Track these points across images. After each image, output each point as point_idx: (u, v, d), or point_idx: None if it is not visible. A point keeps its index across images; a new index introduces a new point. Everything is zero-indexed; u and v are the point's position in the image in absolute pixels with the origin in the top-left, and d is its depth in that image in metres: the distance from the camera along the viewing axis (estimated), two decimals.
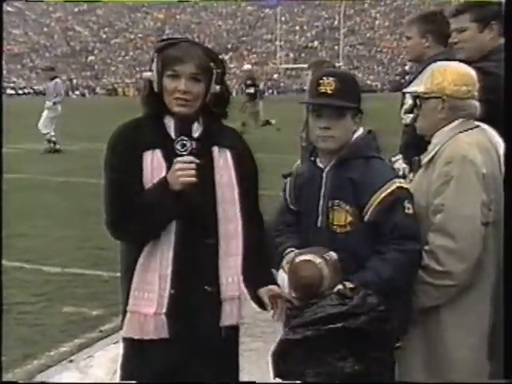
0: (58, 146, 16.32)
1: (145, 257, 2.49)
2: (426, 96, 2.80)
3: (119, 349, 4.47)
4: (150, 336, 2.49)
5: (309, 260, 2.59)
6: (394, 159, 3.71)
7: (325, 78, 2.68)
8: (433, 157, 2.75)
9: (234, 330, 2.62)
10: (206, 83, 2.51)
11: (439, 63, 2.94)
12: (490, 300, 2.67)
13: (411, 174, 3.26)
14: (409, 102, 3.82)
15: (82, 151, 16.15)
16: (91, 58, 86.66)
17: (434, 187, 2.67)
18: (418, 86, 2.85)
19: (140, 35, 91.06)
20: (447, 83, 2.73)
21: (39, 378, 4.21)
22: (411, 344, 2.73)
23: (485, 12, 3.46)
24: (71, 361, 4.47)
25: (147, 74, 2.57)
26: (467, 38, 3.50)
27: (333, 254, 2.59)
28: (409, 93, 3.34)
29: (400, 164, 3.64)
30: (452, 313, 2.67)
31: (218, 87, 2.54)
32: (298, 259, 2.62)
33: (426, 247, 2.64)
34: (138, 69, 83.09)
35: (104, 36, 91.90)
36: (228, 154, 2.57)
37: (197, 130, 2.55)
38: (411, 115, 3.71)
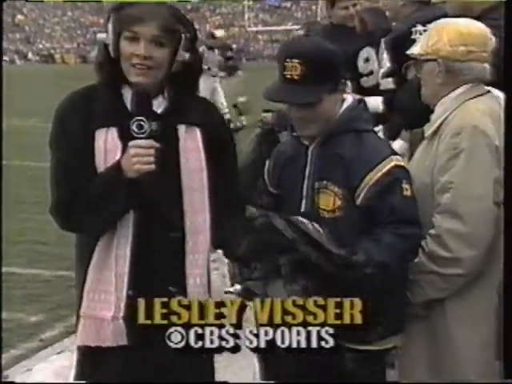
0: None
1: (99, 253, 2.49)
2: (421, 58, 2.84)
3: (62, 360, 4.54)
4: (108, 343, 2.50)
5: (300, 220, 2.61)
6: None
7: (289, 59, 2.64)
8: (438, 128, 2.78)
9: None
10: (171, 49, 2.47)
11: (442, 20, 2.97)
12: (497, 291, 2.71)
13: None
14: (387, 64, 3.86)
15: (13, 129, 15.99)
16: (20, 17, 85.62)
17: (441, 162, 2.71)
18: (415, 47, 2.89)
19: None
20: (442, 44, 2.77)
21: None
22: (413, 342, 2.79)
23: None
24: (6, 376, 4.45)
25: (102, 36, 2.55)
26: None
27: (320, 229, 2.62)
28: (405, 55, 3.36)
29: (380, 136, 3.68)
30: (459, 305, 2.73)
31: (186, 54, 2.50)
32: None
33: (432, 231, 2.68)
34: (79, 32, 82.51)
35: None
36: (198, 132, 2.55)
37: (160, 104, 2.53)
38: (390, 79, 3.78)
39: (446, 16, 3.65)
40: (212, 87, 18.08)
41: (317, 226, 2.60)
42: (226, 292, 2.56)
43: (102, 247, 2.49)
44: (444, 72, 2.78)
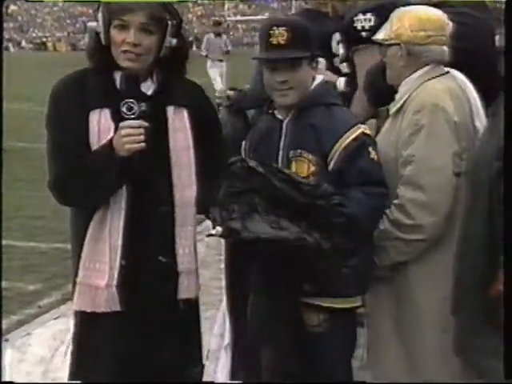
0: None
1: (94, 226, 2.49)
2: (385, 43, 2.87)
3: (59, 325, 4.54)
4: (102, 309, 2.50)
5: None
6: None
7: (275, 28, 2.69)
8: (401, 106, 2.80)
9: (193, 303, 2.64)
10: (159, 35, 2.46)
11: (403, 8, 2.98)
12: (454, 253, 2.73)
13: None
14: (340, 50, 3.88)
15: (8, 112, 15.80)
16: (13, 7, 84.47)
17: (404, 137, 2.73)
18: (380, 34, 2.90)
19: None
20: (404, 29, 2.79)
21: None
22: (380, 301, 2.83)
23: None
24: (7, 340, 4.44)
25: (92, 25, 2.52)
26: None
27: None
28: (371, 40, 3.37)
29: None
30: (420, 267, 2.76)
31: (174, 40, 2.49)
32: None
33: (396, 201, 2.70)
34: (69, 21, 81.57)
35: None
36: (185, 113, 2.55)
37: (149, 87, 2.52)
38: (345, 64, 3.79)
39: (391, 5, 3.71)
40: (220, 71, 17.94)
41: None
42: (208, 235, 2.53)
43: (96, 221, 2.49)
44: (406, 55, 2.80)
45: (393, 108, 2.85)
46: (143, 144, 2.37)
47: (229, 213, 2.51)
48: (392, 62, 2.86)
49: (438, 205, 2.68)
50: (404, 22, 2.80)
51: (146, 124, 2.38)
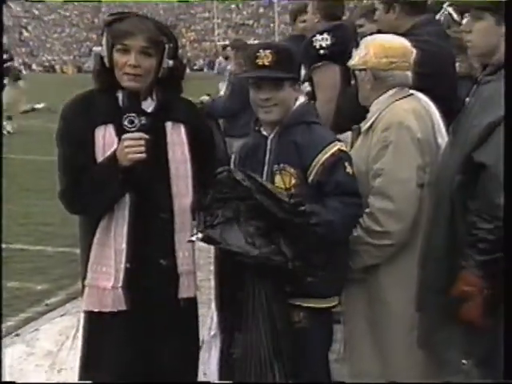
0: None
1: (101, 232, 2.47)
2: (355, 68, 2.89)
3: (65, 321, 4.52)
4: (109, 309, 2.48)
5: None
6: None
7: (261, 50, 2.68)
8: (372, 124, 2.81)
9: (192, 301, 2.63)
10: (157, 58, 2.45)
11: (371, 37, 3.01)
12: (418, 258, 2.74)
13: None
14: (302, 71, 3.92)
15: (19, 128, 15.75)
16: (25, 34, 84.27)
17: (373, 153, 2.74)
18: (352, 60, 2.93)
19: (75, 12, 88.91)
20: (369, 56, 2.80)
21: None
22: (354, 301, 2.82)
23: None
24: (17, 335, 4.42)
25: (97, 49, 2.52)
26: (377, 18, 3.61)
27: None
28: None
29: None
30: (390, 270, 2.76)
31: (170, 62, 2.49)
32: None
33: (367, 210, 2.70)
34: (74, 46, 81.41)
35: (37, 12, 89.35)
36: (182, 128, 2.54)
37: (150, 105, 2.51)
38: (306, 83, 3.81)
39: (346, 27, 3.94)
40: None
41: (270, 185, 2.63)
42: (189, 241, 2.52)
43: (102, 227, 2.47)
44: (372, 79, 2.81)
45: (364, 126, 2.86)
46: (144, 154, 2.37)
47: (213, 217, 2.50)
48: (362, 85, 2.88)
49: (404, 213, 2.69)
50: (370, 49, 2.82)
51: (146, 136, 2.38)
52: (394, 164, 2.69)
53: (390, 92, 2.82)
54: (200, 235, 2.49)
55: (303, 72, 3.77)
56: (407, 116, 2.76)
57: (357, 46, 3.10)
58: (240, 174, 2.56)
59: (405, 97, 2.84)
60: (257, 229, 2.49)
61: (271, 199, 2.50)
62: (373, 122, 2.81)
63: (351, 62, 2.91)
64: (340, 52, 3.72)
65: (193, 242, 2.52)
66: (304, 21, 4.85)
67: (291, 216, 2.50)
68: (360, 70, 2.85)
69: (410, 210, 2.69)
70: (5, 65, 14.79)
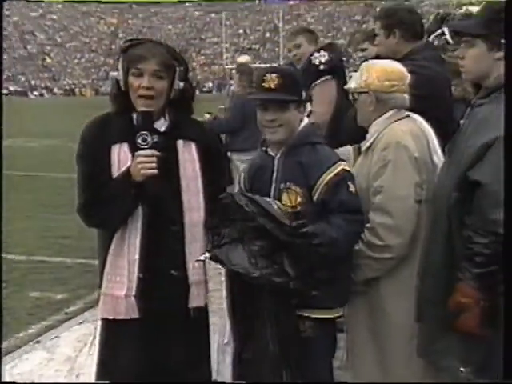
0: None
1: (115, 243, 2.47)
2: (357, 91, 2.86)
3: (83, 329, 4.51)
4: (122, 316, 2.47)
5: (266, 200, 2.62)
6: None
7: (268, 74, 2.67)
8: (371, 144, 2.80)
9: (202, 310, 2.60)
10: (169, 80, 2.46)
11: (372, 61, 3.00)
12: (417, 271, 2.70)
13: None
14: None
15: (40, 148, 15.84)
16: (48, 60, 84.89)
17: (374, 171, 2.72)
18: (352, 83, 2.91)
19: (94, 39, 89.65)
20: (372, 79, 2.79)
21: (9, 358, 4.14)
22: (356, 311, 2.80)
23: (388, 21, 3.53)
24: (38, 341, 4.43)
25: (114, 74, 2.52)
26: (377, 43, 3.62)
27: (283, 207, 2.62)
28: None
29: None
30: (390, 283, 2.73)
31: (181, 84, 2.50)
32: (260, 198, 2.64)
33: (368, 225, 2.68)
34: (93, 70, 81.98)
35: (59, 40, 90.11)
36: (193, 146, 2.54)
37: (163, 124, 2.51)
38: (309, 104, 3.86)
39: (336, 44, 4.17)
40: None
41: (277, 202, 2.61)
42: (197, 260, 2.51)
43: (117, 238, 2.47)
44: (375, 101, 2.80)
45: (364, 145, 2.84)
46: (155, 170, 2.37)
47: (219, 237, 2.49)
48: (362, 107, 2.86)
49: (403, 228, 2.67)
50: (372, 73, 2.81)
51: (158, 153, 2.39)
52: (393, 182, 2.68)
53: (389, 114, 2.81)
54: (208, 255, 2.49)
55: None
56: (404, 136, 2.75)
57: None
58: (243, 198, 2.54)
59: (402, 118, 2.83)
60: (260, 249, 2.47)
61: (273, 222, 2.48)
62: (372, 142, 2.79)
63: (352, 85, 2.89)
64: (337, 65, 3.85)
65: (202, 261, 2.51)
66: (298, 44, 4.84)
67: (293, 238, 2.48)
68: (362, 92, 2.83)
69: (409, 224, 2.67)
70: None
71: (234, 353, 2.67)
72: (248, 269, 2.45)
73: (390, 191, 2.67)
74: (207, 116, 6.53)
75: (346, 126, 3.39)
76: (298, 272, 2.47)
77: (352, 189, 2.64)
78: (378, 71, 2.81)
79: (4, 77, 78.09)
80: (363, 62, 3.09)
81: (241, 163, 6.14)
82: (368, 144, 2.81)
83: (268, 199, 2.62)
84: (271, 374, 2.54)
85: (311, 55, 3.94)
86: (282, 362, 2.53)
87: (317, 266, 2.52)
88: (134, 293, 2.45)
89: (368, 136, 2.85)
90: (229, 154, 6.33)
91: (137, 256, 2.45)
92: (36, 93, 71.66)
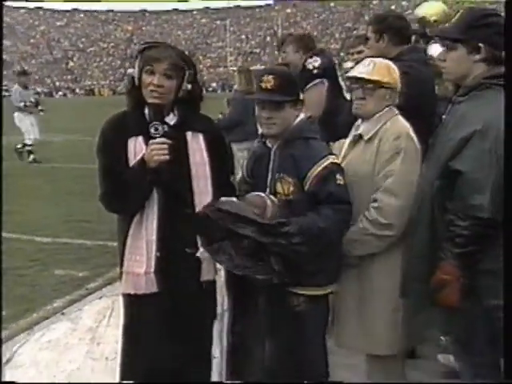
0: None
1: (134, 226, 2.47)
2: (366, 78, 2.71)
3: (102, 303, 4.51)
4: (143, 291, 2.48)
5: (260, 194, 2.60)
6: None
7: (266, 75, 2.63)
8: (374, 134, 2.71)
9: (212, 283, 2.60)
10: (177, 80, 2.46)
11: (375, 58, 2.88)
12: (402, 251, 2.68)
13: None
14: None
15: (63, 142, 15.80)
16: (71, 64, 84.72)
17: (386, 156, 2.65)
18: (358, 70, 2.78)
19: (112, 44, 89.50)
20: (380, 73, 2.70)
21: (37, 328, 4.17)
22: (346, 285, 2.74)
23: (378, 26, 3.50)
24: (63, 313, 4.42)
25: (130, 71, 2.53)
26: (369, 46, 3.58)
27: (276, 200, 2.59)
28: None
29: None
30: (382, 258, 2.69)
31: (189, 85, 2.49)
32: (254, 193, 2.63)
33: (375, 204, 2.63)
34: (110, 72, 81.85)
35: (81, 45, 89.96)
36: (201, 137, 2.53)
37: (172, 118, 2.50)
38: None
39: (325, 50, 4.11)
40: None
41: (271, 196, 2.58)
42: (188, 250, 2.48)
43: (135, 222, 2.47)
44: (381, 94, 2.71)
45: (366, 135, 2.73)
46: (167, 156, 2.37)
47: (212, 234, 2.47)
48: (368, 99, 2.72)
49: (406, 209, 2.61)
50: (378, 66, 2.72)
51: (169, 141, 2.39)
52: (404, 168, 2.62)
53: (387, 108, 2.75)
54: (202, 250, 2.49)
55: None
56: (410, 129, 2.71)
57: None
58: (220, 214, 2.46)
59: (397, 114, 2.78)
60: (247, 248, 2.43)
61: (254, 226, 2.43)
62: (376, 132, 2.71)
63: (361, 73, 2.74)
64: (329, 68, 3.81)
65: (198, 257, 2.51)
66: (285, 51, 4.81)
67: (274, 238, 2.43)
68: (369, 82, 2.71)
69: (410, 206, 2.60)
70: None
71: (227, 323, 2.64)
72: (235, 265, 2.43)
73: (401, 176, 2.61)
74: (220, 116, 6.78)
75: (342, 121, 3.34)
76: (284, 268, 2.43)
77: (340, 181, 2.59)
78: (382, 67, 2.73)
79: (32, 79, 79.08)
80: (357, 63, 3.02)
81: (238, 151, 6.24)
82: (371, 134, 2.72)
83: (261, 194, 2.59)
84: (255, 343, 2.51)
85: (305, 61, 3.91)
86: (267, 332, 2.49)
87: (302, 261, 2.47)
88: (152, 269, 2.45)
89: (367, 126, 2.75)
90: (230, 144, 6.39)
91: (154, 237, 2.45)
92: (60, 93, 71.51)
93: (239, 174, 2.96)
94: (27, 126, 12.00)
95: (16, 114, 11.90)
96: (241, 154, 6.11)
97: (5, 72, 78.14)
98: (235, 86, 7.29)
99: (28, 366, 3.63)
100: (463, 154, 2.30)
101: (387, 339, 2.70)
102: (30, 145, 12.12)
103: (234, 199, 2.56)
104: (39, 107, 12.16)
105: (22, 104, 11.85)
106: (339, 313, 2.82)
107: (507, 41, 2.31)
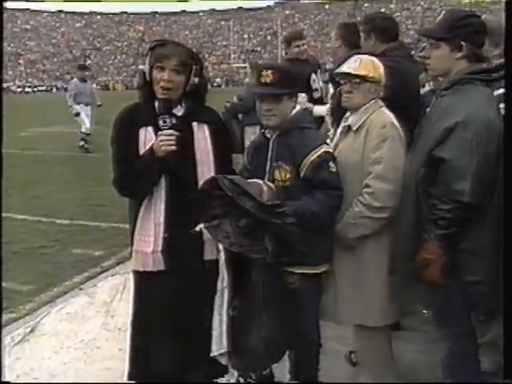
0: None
1: (143, 209, 2.46)
2: (353, 74, 2.70)
3: (116, 280, 4.53)
4: (150, 268, 2.47)
5: (257, 181, 2.56)
6: None
7: (264, 70, 2.60)
8: (361, 124, 2.69)
9: (214, 262, 2.57)
10: (186, 76, 2.44)
11: (362, 55, 2.84)
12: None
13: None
14: (330, 90, 3.84)
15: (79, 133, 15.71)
16: (88, 61, 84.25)
17: (373, 144, 2.62)
18: (348, 67, 2.74)
19: (125, 43, 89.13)
20: (366, 69, 2.68)
21: (58, 301, 4.20)
22: (342, 264, 2.72)
23: (367, 26, 3.49)
24: (81, 289, 4.44)
25: (142, 67, 2.50)
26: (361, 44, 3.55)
27: (272, 185, 2.56)
28: None
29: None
30: (376, 240, 2.66)
31: (196, 79, 2.47)
32: (251, 180, 2.58)
33: (368, 190, 2.60)
34: (124, 69, 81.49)
35: (98, 45, 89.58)
36: (205, 127, 2.51)
37: (180, 110, 2.48)
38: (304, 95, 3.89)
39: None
40: None
41: (267, 183, 2.55)
42: (193, 231, 2.45)
43: (144, 205, 2.46)
44: (367, 88, 2.70)
45: (355, 125, 2.70)
46: (174, 147, 2.36)
47: (212, 211, 2.43)
48: (355, 93, 2.70)
49: (397, 193, 2.57)
50: (364, 62, 2.70)
51: (176, 133, 2.38)
52: (392, 154, 2.59)
53: (373, 101, 2.72)
54: (202, 225, 2.45)
55: (331, 90, 3.72)
56: (394, 118, 2.69)
57: None
58: (226, 181, 2.41)
59: (382, 106, 2.74)
60: (245, 227, 2.39)
61: (252, 201, 2.39)
62: (363, 122, 2.68)
63: (348, 68, 2.72)
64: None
65: (198, 231, 2.46)
66: (298, 46, 4.76)
67: (270, 216, 2.39)
68: (356, 77, 2.69)
69: (399, 189, 2.57)
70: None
71: (228, 298, 2.59)
72: (229, 245, 2.40)
73: (389, 162, 2.58)
74: (227, 104, 6.92)
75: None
76: (277, 248, 2.40)
77: (332, 168, 2.56)
78: (368, 63, 2.71)
79: (53, 76, 79.05)
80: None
81: (252, 134, 6.22)
82: (359, 124, 2.69)
83: (259, 180, 2.55)
84: (252, 319, 2.49)
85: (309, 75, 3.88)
86: (262, 307, 2.46)
87: (295, 241, 2.44)
88: (159, 249, 2.45)
89: (355, 118, 2.72)
90: (244, 127, 6.57)
91: (162, 219, 2.44)
92: None
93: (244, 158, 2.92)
94: (83, 117, 11.82)
95: (73, 105, 11.69)
96: (253, 136, 6.16)
97: (28, 70, 78.48)
98: (247, 79, 7.66)
99: (50, 334, 3.67)
100: (447, 143, 2.28)
101: (381, 311, 2.69)
102: (86, 133, 11.88)
103: (239, 176, 2.53)
104: (97, 102, 12.02)
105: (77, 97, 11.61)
106: (337, 290, 2.76)
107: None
